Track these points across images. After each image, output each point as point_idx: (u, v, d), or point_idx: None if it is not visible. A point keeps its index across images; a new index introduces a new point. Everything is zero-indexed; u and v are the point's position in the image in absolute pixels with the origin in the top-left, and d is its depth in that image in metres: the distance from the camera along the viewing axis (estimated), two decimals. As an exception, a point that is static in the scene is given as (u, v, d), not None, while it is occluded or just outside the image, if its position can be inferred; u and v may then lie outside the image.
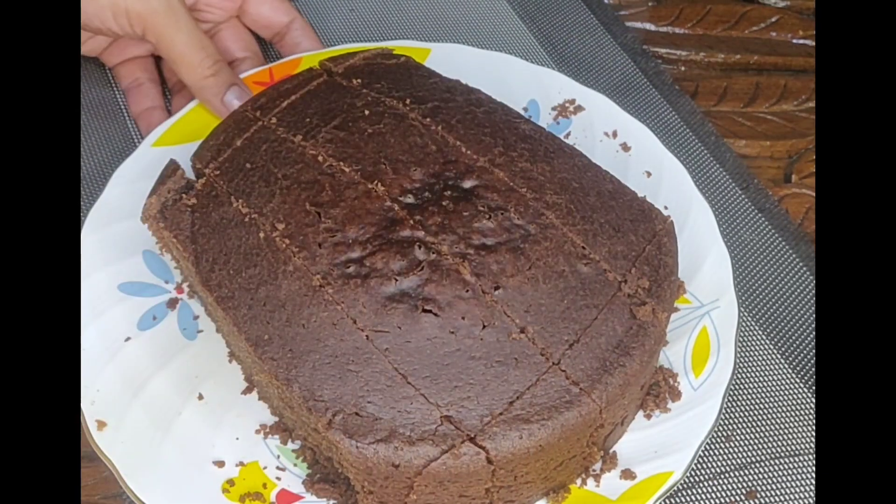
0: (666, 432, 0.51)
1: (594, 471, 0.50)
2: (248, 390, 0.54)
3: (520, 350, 0.47)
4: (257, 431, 0.52)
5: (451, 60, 0.67)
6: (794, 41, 0.78)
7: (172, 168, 0.55)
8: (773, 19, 0.79)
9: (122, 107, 0.72)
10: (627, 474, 0.50)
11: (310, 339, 0.47)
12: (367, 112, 0.56)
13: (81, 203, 0.65)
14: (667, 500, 0.50)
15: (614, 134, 0.64)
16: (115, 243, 0.58)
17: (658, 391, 0.53)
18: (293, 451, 0.52)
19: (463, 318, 0.48)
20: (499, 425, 0.46)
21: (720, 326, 0.54)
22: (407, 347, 0.47)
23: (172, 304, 0.57)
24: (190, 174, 0.58)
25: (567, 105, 0.65)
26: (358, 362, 0.47)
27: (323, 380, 0.46)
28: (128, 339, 0.55)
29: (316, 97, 0.58)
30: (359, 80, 0.58)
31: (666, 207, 0.57)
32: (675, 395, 0.52)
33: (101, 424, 0.51)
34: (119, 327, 0.55)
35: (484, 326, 0.47)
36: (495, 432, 0.45)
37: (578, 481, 0.50)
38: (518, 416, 0.46)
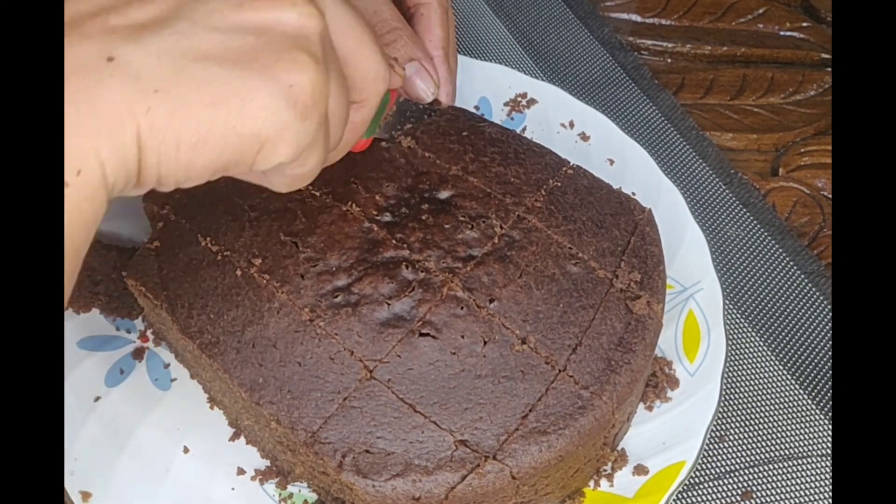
0: (670, 422, 0.51)
1: (605, 471, 0.50)
2: (234, 436, 0.51)
3: (524, 362, 0.46)
4: (252, 478, 0.50)
5: (393, 65, 0.64)
6: (781, 33, 0.77)
7: None
8: (760, 11, 0.78)
9: None
10: (640, 469, 0.49)
11: (308, 378, 0.45)
12: (325, 130, 0.53)
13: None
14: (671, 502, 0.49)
15: (571, 124, 0.63)
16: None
17: (656, 381, 0.52)
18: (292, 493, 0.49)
19: (462, 337, 0.46)
20: (517, 441, 0.44)
21: (706, 308, 0.54)
22: (410, 375, 0.45)
23: (139, 354, 0.54)
24: (142, 215, 0.54)
25: (519, 99, 0.64)
26: (360, 397, 0.45)
27: (327, 419, 0.44)
28: (97, 398, 0.51)
29: (268, 119, 0.55)
30: (310, 97, 0.56)
31: (634, 194, 0.57)
32: (673, 383, 0.52)
33: (86, 496, 0.47)
34: (86, 387, 0.51)
35: (485, 343, 0.46)
36: (514, 449, 0.44)
37: (591, 483, 0.49)
38: (534, 429, 0.45)
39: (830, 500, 0.52)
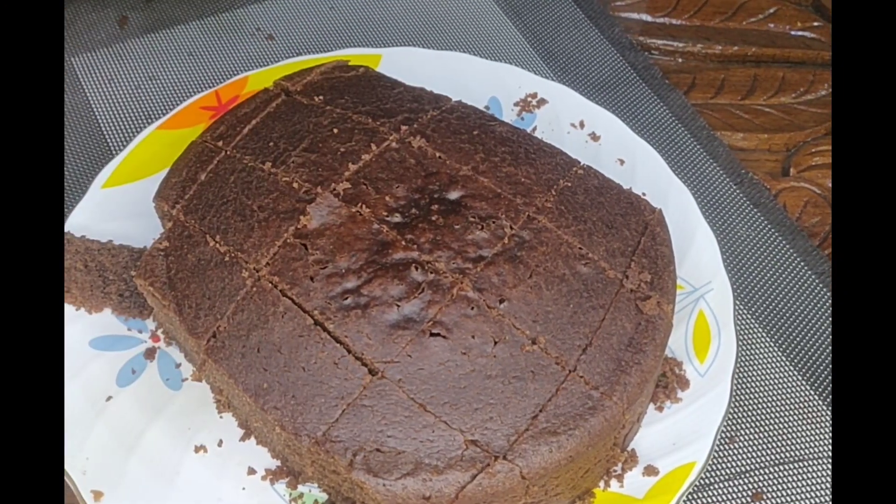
0: (681, 423, 0.51)
1: (615, 471, 0.49)
2: (245, 436, 0.51)
3: (535, 362, 0.46)
4: (263, 478, 0.50)
5: (404, 64, 0.64)
6: (793, 33, 0.77)
7: None
8: (771, 10, 0.78)
9: (95, 111, 0.68)
10: (650, 470, 0.49)
11: (312, 383, 0.45)
12: (335, 130, 0.53)
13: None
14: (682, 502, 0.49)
15: (581, 124, 0.63)
16: (79, 297, 0.55)
17: (666, 382, 0.52)
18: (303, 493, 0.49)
19: (473, 337, 0.46)
20: (527, 441, 0.44)
21: (717, 309, 0.54)
22: (421, 375, 0.45)
23: (150, 354, 0.54)
24: (153, 215, 0.55)
25: (529, 99, 0.64)
26: (371, 396, 0.45)
27: (335, 421, 0.44)
28: (109, 398, 0.51)
29: (278, 119, 0.55)
30: (320, 97, 0.56)
31: (644, 194, 0.57)
32: (684, 383, 0.52)
33: (98, 495, 0.47)
34: (98, 386, 0.52)
35: (495, 343, 0.46)
36: (525, 449, 0.44)
37: (602, 484, 0.49)
38: (544, 430, 0.45)
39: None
